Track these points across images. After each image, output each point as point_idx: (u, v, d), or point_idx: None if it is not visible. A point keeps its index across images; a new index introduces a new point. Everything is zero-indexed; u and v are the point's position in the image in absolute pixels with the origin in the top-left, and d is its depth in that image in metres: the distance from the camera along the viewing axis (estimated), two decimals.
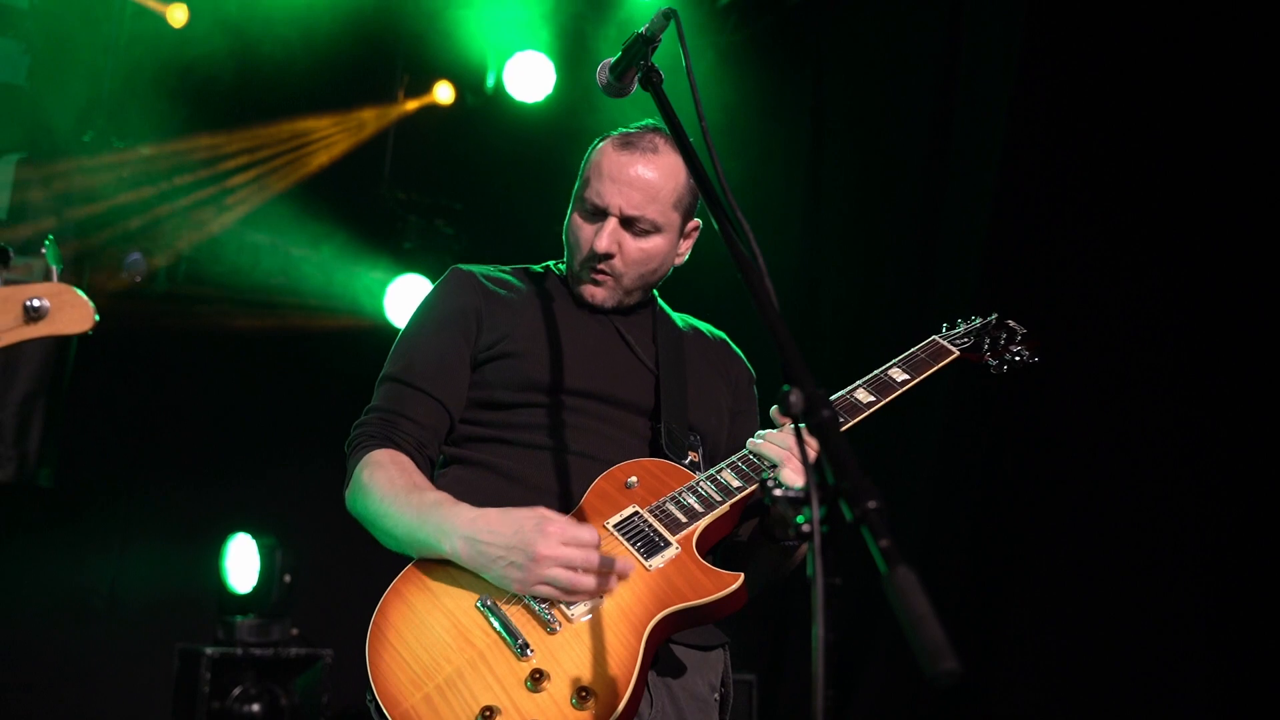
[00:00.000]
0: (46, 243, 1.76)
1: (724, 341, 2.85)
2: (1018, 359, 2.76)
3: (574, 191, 2.63)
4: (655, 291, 2.75)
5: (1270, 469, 4.19)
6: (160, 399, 6.55)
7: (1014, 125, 5.14)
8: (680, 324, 2.78)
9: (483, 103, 7.30)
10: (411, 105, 7.26)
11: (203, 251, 6.67)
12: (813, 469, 1.38)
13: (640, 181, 2.49)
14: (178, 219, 6.59)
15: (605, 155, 2.55)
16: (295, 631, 6.23)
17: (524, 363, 2.49)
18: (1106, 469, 4.65)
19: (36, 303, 1.73)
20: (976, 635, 4.91)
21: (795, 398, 1.43)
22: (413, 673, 2.11)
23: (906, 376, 2.59)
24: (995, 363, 2.76)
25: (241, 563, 6.28)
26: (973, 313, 2.86)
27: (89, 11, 6.28)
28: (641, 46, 2.20)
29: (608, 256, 2.52)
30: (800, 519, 1.36)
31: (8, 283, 1.69)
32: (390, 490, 2.31)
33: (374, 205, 7.19)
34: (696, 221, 2.66)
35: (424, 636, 2.15)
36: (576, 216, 2.58)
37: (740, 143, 6.82)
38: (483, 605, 2.18)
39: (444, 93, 7.30)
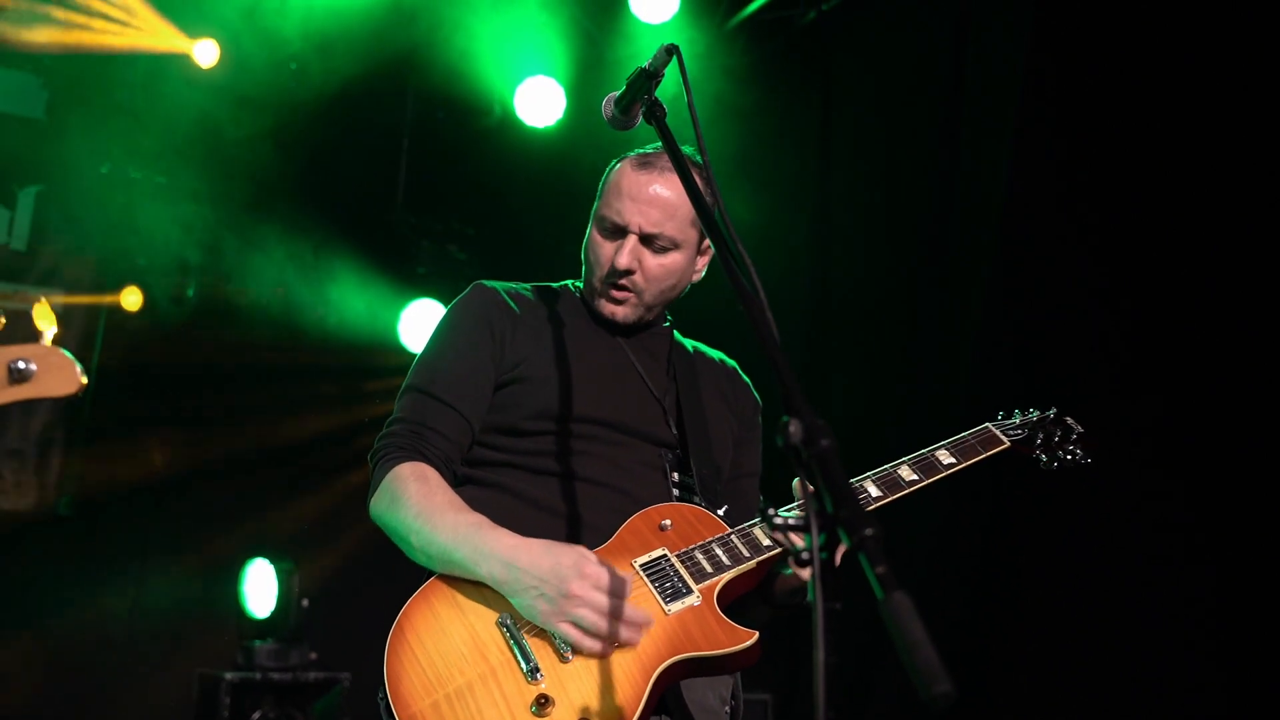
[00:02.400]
0: (36, 306, 1.75)
1: (734, 370, 2.89)
2: (1069, 458, 2.72)
3: (593, 210, 2.68)
4: (669, 317, 2.81)
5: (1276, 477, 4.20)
6: (177, 427, 6.62)
7: (1021, 145, 5.18)
8: (689, 348, 2.83)
9: (494, 128, 7.37)
10: (421, 129, 7.34)
11: (219, 280, 6.75)
12: (812, 498, 1.42)
13: (659, 199, 2.55)
14: (194, 248, 6.67)
15: (624, 175, 2.60)
16: (313, 656, 6.27)
17: (540, 390, 2.53)
18: (1113, 477, 4.66)
19: (21, 364, 1.71)
20: (984, 651, 4.92)
21: (795, 428, 1.47)
22: (426, 678, 2.17)
23: (953, 460, 2.59)
24: (1046, 459, 2.72)
25: (260, 588, 6.32)
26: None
27: (106, 46, 6.38)
28: (644, 81, 2.24)
29: (628, 273, 2.57)
30: (799, 547, 1.40)
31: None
32: (427, 506, 2.34)
33: (388, 231, 7.26)
34: None
35: (442, 644, 2.21)
36: (596, 234, 2.63)
37: (749, 164, 6.87)
38: (502, 624, 2.23)
39: (453, 118, 7.37)
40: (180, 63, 6.41)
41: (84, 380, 1.77)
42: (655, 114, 2.24)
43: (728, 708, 2.49)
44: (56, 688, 6.08)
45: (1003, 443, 2.67)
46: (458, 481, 2.55)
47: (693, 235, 2.61)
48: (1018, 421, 2.74)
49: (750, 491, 2.75)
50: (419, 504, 2.34)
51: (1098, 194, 4.88)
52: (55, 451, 6.34)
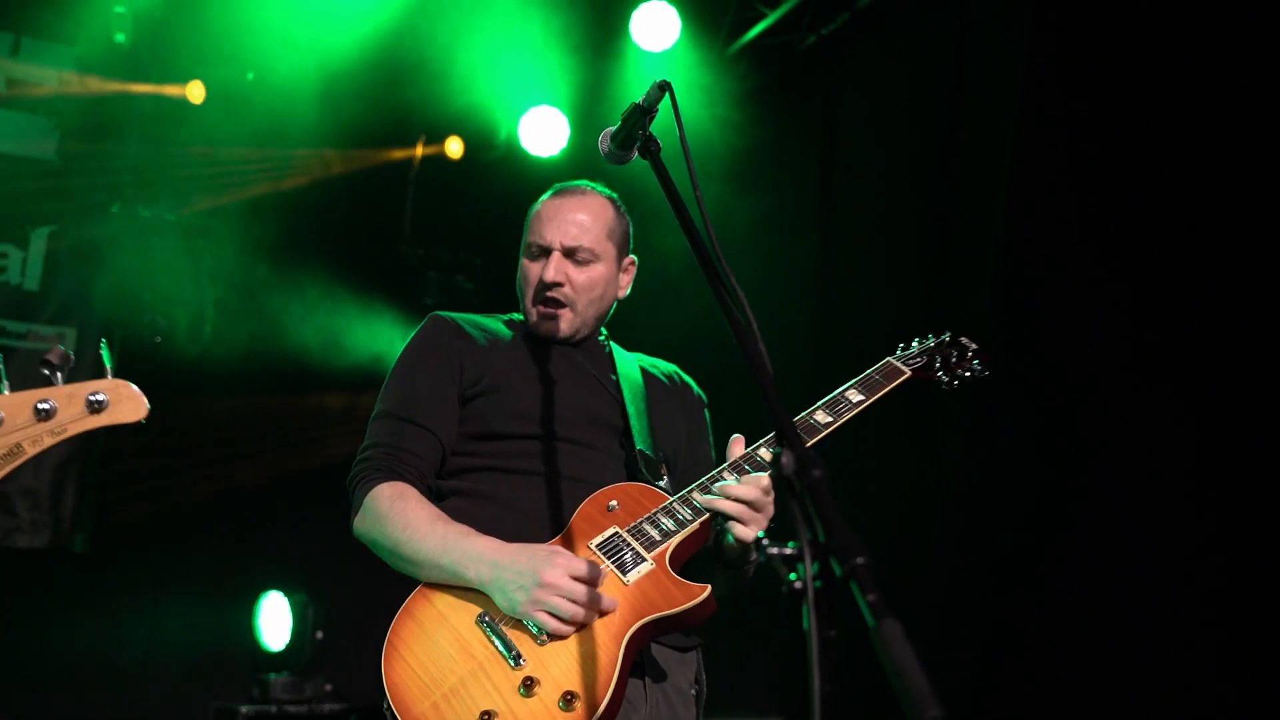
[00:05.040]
0: (102, 343, 2.02)
1: (675, 372, 3.09)
2: (968, 374, 2.94)
3: (520, 250, 2.90)
4: (605, 331, 3.03)
5: None
6: (190, 462, 6.67)
7: (1021, 167, 5.20)
8: (630, 357, 3.03)
9: (498, 158, 7.44)
10: (427, 160, 7.41)
11: (229, 313, 6.80)
12: (805, 528, 1.45)
13: (574, 218, 2.82)
14: (203, 283, 6.74)
15: (544, 205, 2.88)
16: (328, 688, 6.29)
17: (509, 396, 2.73)
18: (1125, 477, 4.66)
19: (98, 397, 1.96)
20: (1004, 661, 4.92)
21: (787, 459, 1.50)
22: (422, 683, 2.36)
23: (862, 397, 2.80)
24: (947, 379, 2.94)
25: (274, 621, 6.35)
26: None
27: (114, 88, 6.47)
28: (639, 117, 2.28)
29: (557, 284, 2.79)
30: (793, 576, 1.42)
31: (71, 379, 1.93)
32: (413, 519, 2.53)
33: (395, 263, 7.32)
34: (633, 258, 2.97)
35: (431, 650, 2.41)
36: (525, 262, 2.87)
37: (752, 188, 6.92)
38: (482, 621, 2.42)
39: (455, 148, 7.44)
40: (183, 101, 6.48)
41: (149, 408, 2.04)
42: (650, 149, 2.28)
43: (694, 690, 2.70)
44: None
45: (904, 373, 2.89)
46: (441, 495, 2.72)
47: (611, 249, 2.86)
48: (915, 350, 2.96)
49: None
50: (405, 518, 2.53)
51: (1099, 216, 4.90)
52: (69, 489, 6.39)
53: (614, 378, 2.87)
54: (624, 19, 6.80)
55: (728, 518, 2.50)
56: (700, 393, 3.07)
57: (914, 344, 2.98)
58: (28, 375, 6.15)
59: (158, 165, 6.57)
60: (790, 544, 1.47)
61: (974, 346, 2.95)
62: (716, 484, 2.54)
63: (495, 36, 6.90)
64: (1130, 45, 4.85)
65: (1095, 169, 4.91)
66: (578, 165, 7.16)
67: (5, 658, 5.98)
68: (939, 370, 2.93)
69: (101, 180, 6.51)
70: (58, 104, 6.42)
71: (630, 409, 2.79)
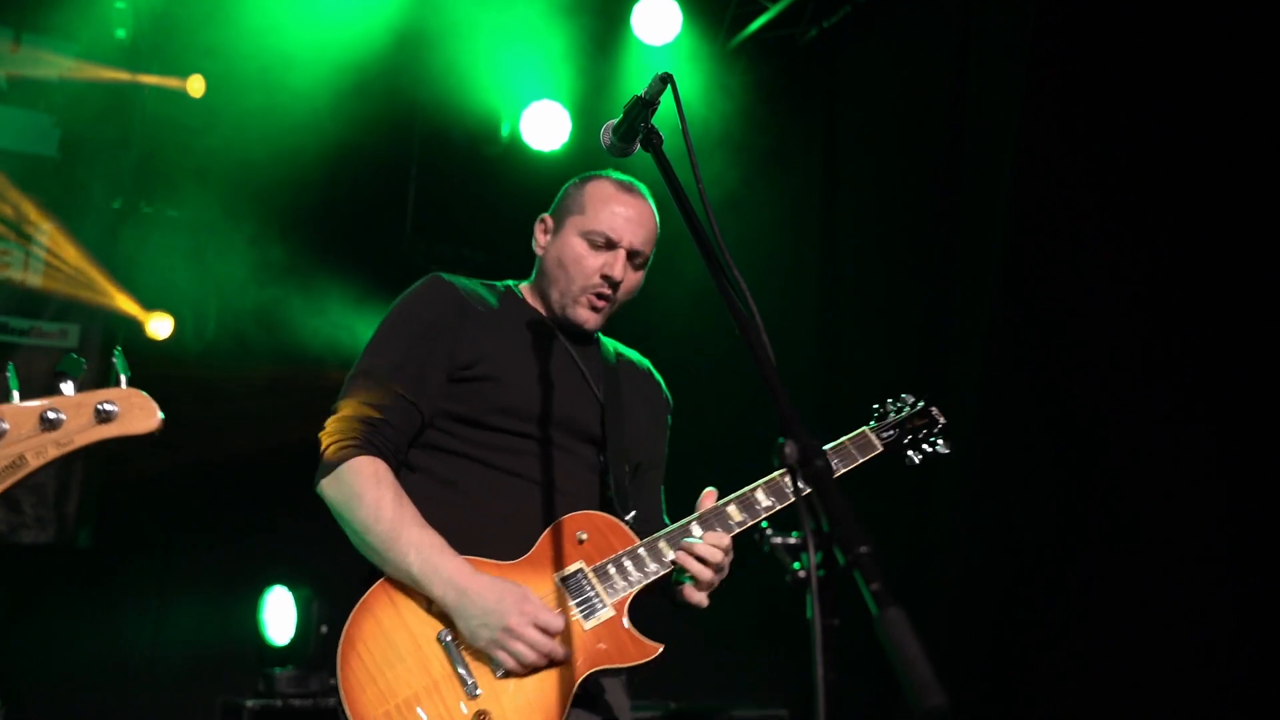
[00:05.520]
0: (116, 351, 1.92)
1: (648, 370, 3.07)
2: (931, 450, 2.94)
3: (565, 219, 2.82)
4: None
5: None
6: (194, 457, 6.67)
7: (1024, 157, 5.20)
8: (613, 350, 2.99)
9: (500, 153, 7.43)
10: (429, 155, 7.41)
11: (231, 309, 6.81)
12: (809, 517, 1.45)
13: (648, 220, 2.81)
14: (206, 278, 6.75)
15: (612, 195, 2.80)
16: (333, 681, 6.28)
17: (501, 387, 2.66)
18: (1135, 478, 4.66)
19: (107, 406, 1.86)
20: (1018, 659, 4.92)
21: (790, 449, 1.50)
22: (378, 689, 2.39)
23: (835, 464, 2.79)
24: (912, 454, 2.93)
25: (279, 615, 6.37)
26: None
27: (114, 82, 6.47)
28: (641, 109, 2.28)
29: (617, 284, 2.76)
30: (796, 565, 1.43)
31: (81, 388, 1.84)
32: (390, 514, 2.49)
33: (398, 260, 7.32)
34: None
35: (389, 655, 2.42)
36: (582, 245, 2.77)
37: (754, 182, 6.91)
38: (443, 639, 2.44)
39: (460, 144, 7.44)
40: (184, 96, 6.49)
41: (161, 417, 1.93)
42: (652, 141, 2.28)
43: (622, 677, 2.73)
44: (79, 718, 6.12)
45: (877, 448, 2.86)
46: (411, 469, 2.68)
47: (652, 250, 2.86)
48: (890, 419, 2.92)
49: (653, 484, 2.95)
50: (380, 509, 2.50)
51: (1103, 205, 4.90)
52: (74, 485, 6.40)
53: (600, 377, 2.84)
54: (625, 13, 6.80)
55: (689, 573, 2.53)
56: (668, 396, 3.08)
57: (890, 410, 2.95)
58: (32, 372, 6.16)
59: (159, 161, 6.57)
60: (794, 533, 1.48)
61: (942, 421, 2.96)
62: (684, 539, 2.57)
63: (497, 31, 6.90)
64: (1134, 26, 4.84)
65: (1100, 161, 4.91)
66: (579, 160, 7.17)
67: (11, 654, 5.99)
68: (906, 447, 2.92)
69: (103, 176, 6.52)
70: (59, 101, 6.42)
71: (609, 415, 2.78)
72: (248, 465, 6.76)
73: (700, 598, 2.56)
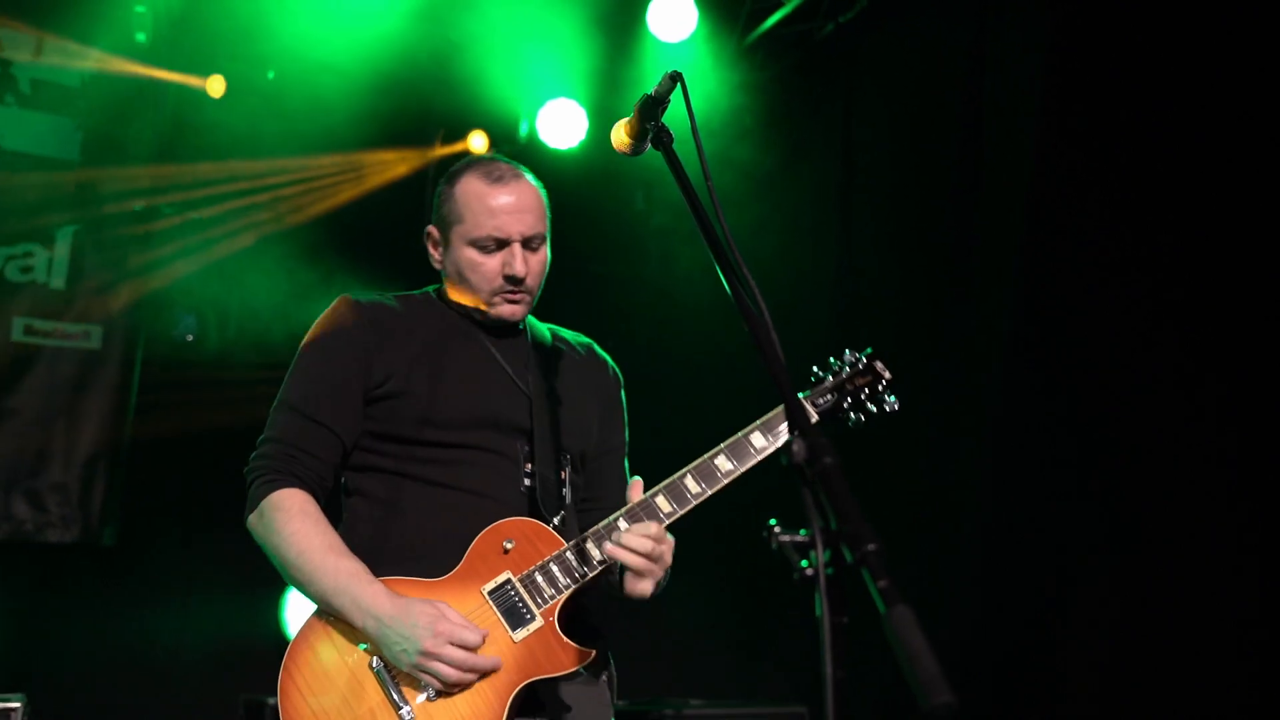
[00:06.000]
0: None
1: (589, 347, 3.02)
2: (876, 409, 2.81)
3: (449, 231, 2.77)
4: None
5: None
6: (215, 456, 6.72)
7: (1042, 152, 5.17)
8: (548, 336, 2.94)
9: (517, 151, 7.44)
10: (440, 150, 7.43)
11: (251, 309, 6.85)
12: (816, 515, 1.46)
13: (528, 202, 2.74)
14: (227, 279, 6.79)
15: (484, 192, 2.72)
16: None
17: (416, 400, 2.65)
18: (1153, 478, 4.64)
19: None
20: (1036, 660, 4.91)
21: (798, 446, 1.50)
22: (314, 718, 2.45)
23: (765, 443, 2.68)
24: (855, 416, 2.81)
25: (300, 613, 6.39)
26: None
27: (136, 85, 6.52)
28: (651, 108, 2.28)
29: (521, 279, 2.72)
30: (804, 563, 1.43)
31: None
32: (309, 547, 2.54)
33: (416, 259, 7.33)
34: None
35: (326, 687, 2.48)
36: (473, 254, 2.72)
37: (771, 177, 6.91)
38: (375, 666, 2.49)
39: (478, 143, 7.45)
40: (203, 98, 6.53)
41: None
42: (662, 140, 2.29)
43: (604, 677, 2.73)
44: (105, 716, 6.18)
45: (811, 417, 2.76)
46: (347, 490, 2.74)
47: (547, 224, 2.80)
48: (829, 383, 2.80)
49: (611, 469, 2.90)
50: (300, 543, 2.54)
51: (1122, 204, 4.86)
52: (98, 484, 6.45)
53: (527, 369, 2.80)
54: (641, 10, 6.80)
55: (626, 568, 2.52)
56: (616, 370, 3.03)
57: (828, 372, 2.83)
58: (55, 374, 6.22)
59: (180, 164, 6.62)
60: (802, 531, 1.48)
61: (887, 375, 2.83)
62: (613, 534, 2.53)
63: (512, 29, 6.92)
64: (1154, 21, 4.80)
65: (1120, 159, 4.87)
66: (596, 157, 7.18)
67: (37, 652, 6.06)
68: (849, 410, 2.80)
69: (124, 179, 6.57)
70: (80, 105, 6.48)
71: (538, 409, 2.73)
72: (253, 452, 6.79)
73: (643, 587, 2.54)
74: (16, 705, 4.24)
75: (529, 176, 2.82)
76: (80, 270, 6.48)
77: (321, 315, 2.82)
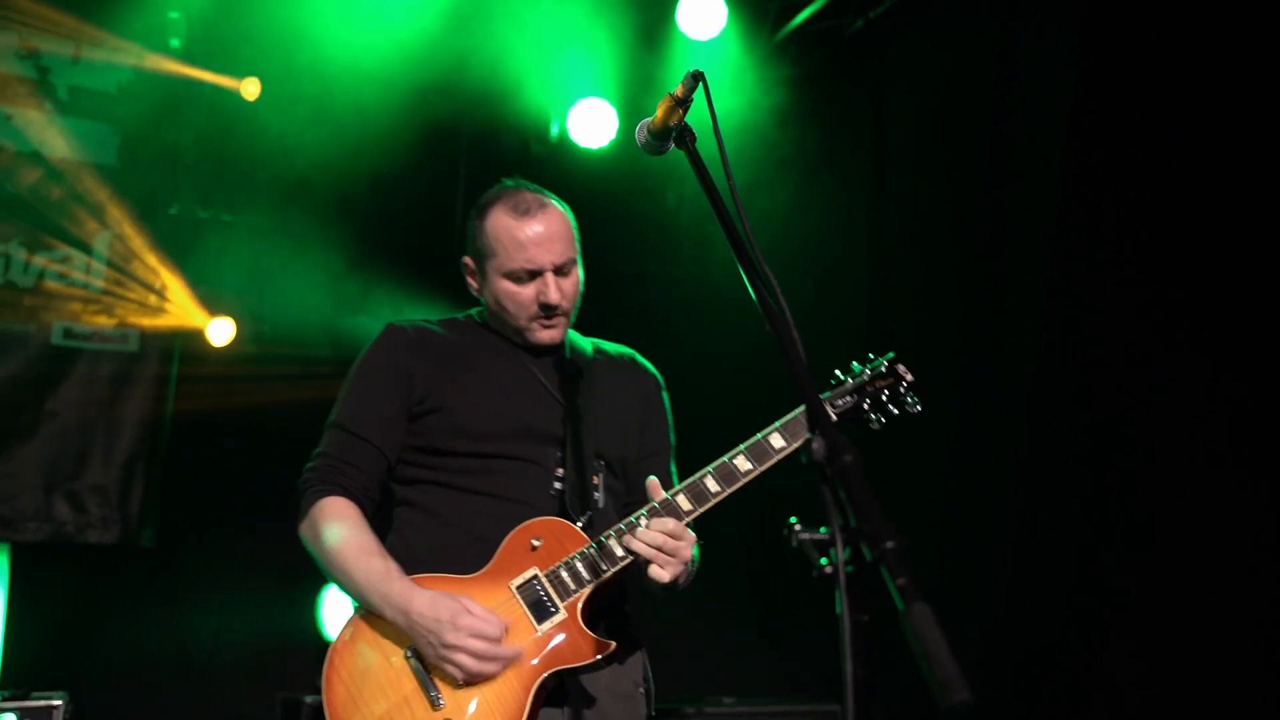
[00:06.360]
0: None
1: (631, 358, 3.16)
2: (898, 410, 2.86)
3: (484, 264, 2.92)
4: None
5: None
6: (252, 459, 6.79)
7: (1073, 147, 5.13)
8: (589, 350, 3.09)
9: (548, 151, 7.46)
10: (476, 154, 7.46)
11: (286, 311, 6.91)
12: (836, 512, 1.45)
13: (555, 233, 2.87)
14: (263, 282, 6.86)
15: (512, 226, 2.86)
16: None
17: (452, 415, 2.84)
18: (1184, 476, 4.59)
19: None
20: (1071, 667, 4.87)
21: (818, 444, 1.50)
22: (355, 706, 2.61)
23: (784, 443, 2.76)
24: (876, 417, 2.86)
25: (336, 612, 6.46)
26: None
27: (171, 90, 6.60)
28: (674, 107, 2.28)
29: (555, 306, 2.86)
30: (824, 560, 1.43)
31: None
32: (346, 548, 2.73)
33: (447, 259, 7.37)
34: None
35: (365, 676, 2.64)
36: (509, 285, 2.88)
37: (801, 175, 6.88)
38: (410, 657, 2.65)
39: (509, 144, 7.47)
40: (238, 102, 6.60)
41: None
42: (685, 139, 2.29)
43: (641, 689, 2.86)
44: (144, 714, 6.25)
45: (829, 417, 2.75)
46: (395, 502, 2.94)
47: (577, 246, 2.94)
48: (849, 385, 2.87)
49: (656, 471, 2.94)
50: (339, 545, 2.73)
51: (1156, 196, 4.81)
52: (137, 485, 6.53)
53: (564, 382, 2.95)
54: (671, 8, 6.80)
55: (644, 560, 2.62)
56: (658, 377, 3.15)
57: (849, 375, 2.90)
58: (94, 376, 6.29)
59: (214, 167, 6.69)
60: (822, 529, 1.48)
61: (909, 378, 2.88)
62: (634, 530, 2.65)
63: (543, 30, 6.93)
64: (1186, 18, 4.75)
65: (1153, 156, 4.82)
66: (626, 156, 7.18)
67: (78, 651, 6.14)
68: (868, 409, 2.86)
69: (160, 183, 6.65)
70: (117, 110, 6.56)
71: (572, 418, 2.88)
72: (303, 464, 6.84)
73: (658, 574, 2.61)
74: (59, 703, 4.32)
75: (554, 202, 2.95)
76: (118, 274, 6.56)
77: (369, 344, 3.03)
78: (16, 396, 6.27)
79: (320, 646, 6.53)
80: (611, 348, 3.16)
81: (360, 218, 7.03)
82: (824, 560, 1.44)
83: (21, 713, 4.22)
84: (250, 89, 6.54)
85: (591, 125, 7.19)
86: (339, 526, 2.75)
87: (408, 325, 3.01)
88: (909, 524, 2.51)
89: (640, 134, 2.42)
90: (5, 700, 4.25)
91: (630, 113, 7.21)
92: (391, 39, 6.64)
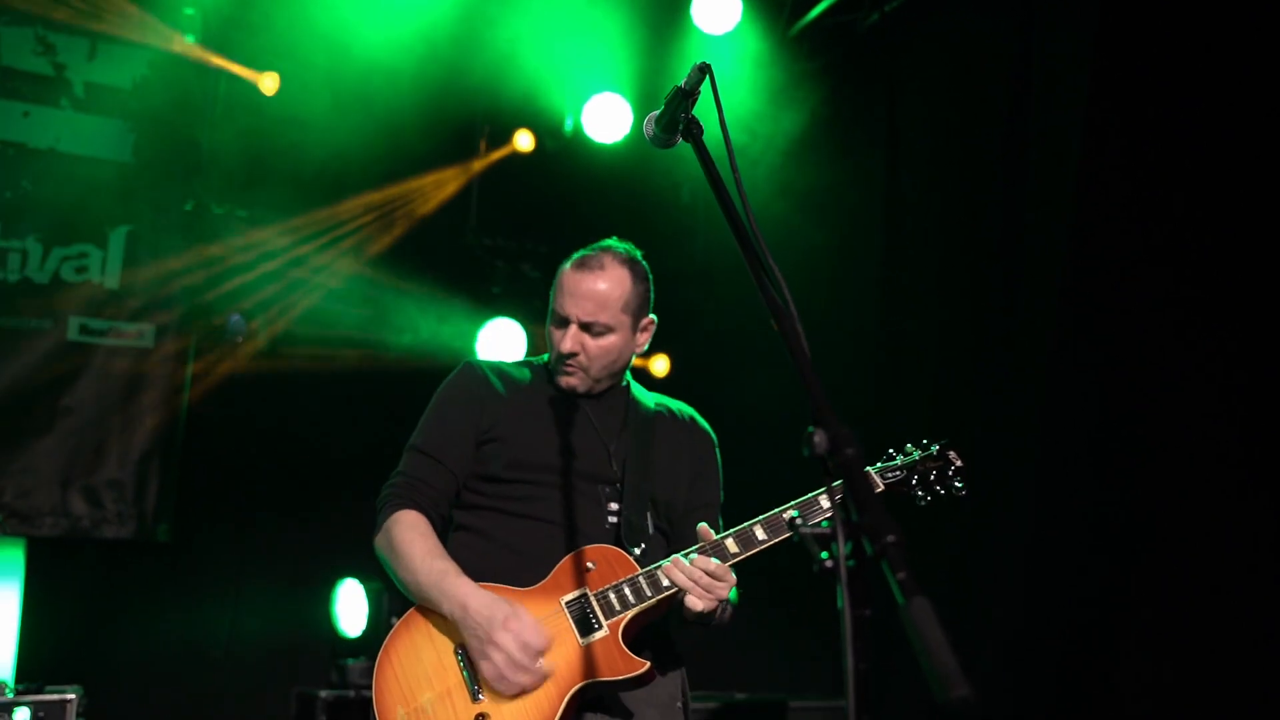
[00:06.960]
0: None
1: (691, 418, 3.35)
2: (945, 492, 3.01)
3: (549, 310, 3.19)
4: (629, 376, 3.28)
5: None
6: (268, 454, 6.80)
7: (1089, 144, 5.09)
8: (651, 405, 3.29)
9: (562, 146, 7.46)
10: (493, 156, 7.46)
11: (302, 306, 6.93)
12: (839, 507, 1.44)
13: (591, 294, 3.05)
14: (277, 277, 6.87)
15: (566, 276, 3.12)
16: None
17: (510, 446, 3.08)
18: (1197, 485, 4.55)
19: None
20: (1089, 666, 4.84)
21: (819, 437, 1.49)
22: (401, 692, 2.83)
23: (829, 507, 2.80)
24: (922, 494, 3.01)
25: (350, 608, 6.47)
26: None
27: (186, 86, 6.63)
28: (681, 100, 2.29)
29: (573, 355, 3.07)
30: (824, 555, 1.42)
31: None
32: (415, 551, 2.94)
33: (462, 254, 7.39)
34: (652, 318, 3.20)
35: (415, 665, 2.85)
36: (550, 325, 3.16)
37: (815, 170, 6.86)
38: (458, 652, 2.85)
39: (524, 140, 7.47)
40: (253, 97, 6.62)
41: None
42: (692, 132, 2.29)
43: (679, 704, 3.05)
44: (159, 709, 6.29)
45: (878, 486, 3.02)
46: (454, 526, 3.14)
47: (625, 320, 3.11)
48: (899, 463, 3.05)
49: (705, 520, 3.08)
50: (408, 549, 2.94)
51: (1173, 195, 4.77)
52: (153, 481, 6.55)
53: (620, 428, 3.17)
54: (685, 2, 6.79)
55: (683, 591, 2.80)
56: (711, 434, 3.34)
57: (900, 454, 3.07)
58: (109, 372, 6.30)
59: (229, 164, 6.71)
60: (823, 523, 1.47)
61: (958, 464, 3.02)
62: (681, 556, 2.84)
63: (557, 25, 6.93)
64: (1200, 27, 4.71)
65: (1169, 155, 4.78)
66: (640, 152, 7.17)
67: (93, 645, 6.17)
68: (915, 487, 3.01)
69: (176, 179, 6.67)
70: (133, 107, 6.58)
71: (622, 461, 3.10)
72: (320, 461, 6.87)
73: (695, 604, 2.78)
74: (72, 697, 4.33)
75: (621, 269, 3.12)
76: (134, 270, 6.59)
77: (449, 377, 3.27)
78: (33, 392, 6.30)
79: (336, 641, 6.59)
80: (674, 404, 3.35)
81: (376, 213, 7.04)
82: (825, 554, 1.43)
83: (35, 706, 4.23)
84: (268, 84, 6.56)
85: (606, 120, 7.19)
86: (410, 532, 2.96)
87: (482, 364, 3.27)
88: (921, 522, 2.51)
89: (648, 127, 2.42)
90: (20, 694, 4.27)
91: (644, 107, 7.16)
92: (407, 36, 6.66)
